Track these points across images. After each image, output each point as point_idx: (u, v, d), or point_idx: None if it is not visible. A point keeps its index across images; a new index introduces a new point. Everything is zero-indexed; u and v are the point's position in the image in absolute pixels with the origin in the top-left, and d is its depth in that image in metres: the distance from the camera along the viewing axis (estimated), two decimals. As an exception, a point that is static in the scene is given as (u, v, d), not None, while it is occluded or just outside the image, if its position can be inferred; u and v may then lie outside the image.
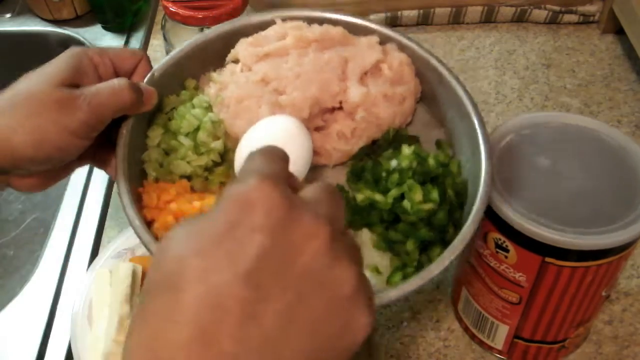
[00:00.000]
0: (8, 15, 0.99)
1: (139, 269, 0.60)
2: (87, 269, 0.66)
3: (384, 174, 0.53)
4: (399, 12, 0.93)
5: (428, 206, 0.50)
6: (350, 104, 0.56)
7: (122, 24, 0.96)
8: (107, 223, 0.73)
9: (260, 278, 0.29)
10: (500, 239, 0.51)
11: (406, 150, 0.54)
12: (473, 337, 0.61)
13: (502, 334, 0.57)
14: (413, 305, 0.64)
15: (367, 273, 0.49)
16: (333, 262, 0.31)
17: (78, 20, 0.98)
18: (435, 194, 0.50)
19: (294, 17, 0.60)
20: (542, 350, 0.58)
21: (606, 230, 0.48)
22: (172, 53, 0.59)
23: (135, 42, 0.95)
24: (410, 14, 0.93)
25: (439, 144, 0.57)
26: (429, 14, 0.94)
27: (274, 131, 0.52)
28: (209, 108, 0.57)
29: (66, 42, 0.96)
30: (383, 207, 0.51)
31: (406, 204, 0.50)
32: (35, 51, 0.98)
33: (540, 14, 0.93)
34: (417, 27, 0.95)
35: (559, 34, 0.93)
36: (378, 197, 0.51)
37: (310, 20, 0.60)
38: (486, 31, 0.94)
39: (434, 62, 0.57)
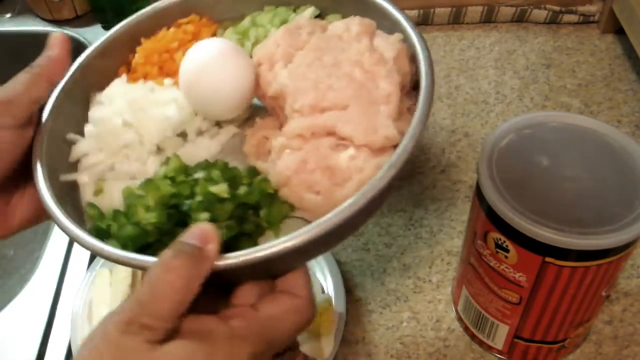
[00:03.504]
0: (8, 15, 0.99)
1: (139, 269, 0.60)
2: (87, 269, 0.66)
3: None
4: (399, 12, 0.93)
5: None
6: None
7: (122, 24, 0.96)
8: (107, 223, 0.73)
9: None
10: (500, 239, 0.51)
11: None
12: (473, 337, 0.61)
13: (502, 334, 0.57)
14: (413, 306, 0.64)
15: None
16: None
17: (78, 20, 0.98)
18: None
19: None
20: (542, 350, 0.58)
21: (606, 230, 0.48)
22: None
23: (135, 42, 0.95)
24: (410, 14, 0.93)
25: None
26: (429, 14, 0.94)
27: (202, 58, 0.46)
28: None
29: (66, 42, 0.96)
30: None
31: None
32: (35, 51, 0.97)
33: (540, 14, 0.93)
34: (417, 27, 0.95)
35: (559, 34, 0.93)
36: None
37: None
38: (486, 31, 0.94)
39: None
